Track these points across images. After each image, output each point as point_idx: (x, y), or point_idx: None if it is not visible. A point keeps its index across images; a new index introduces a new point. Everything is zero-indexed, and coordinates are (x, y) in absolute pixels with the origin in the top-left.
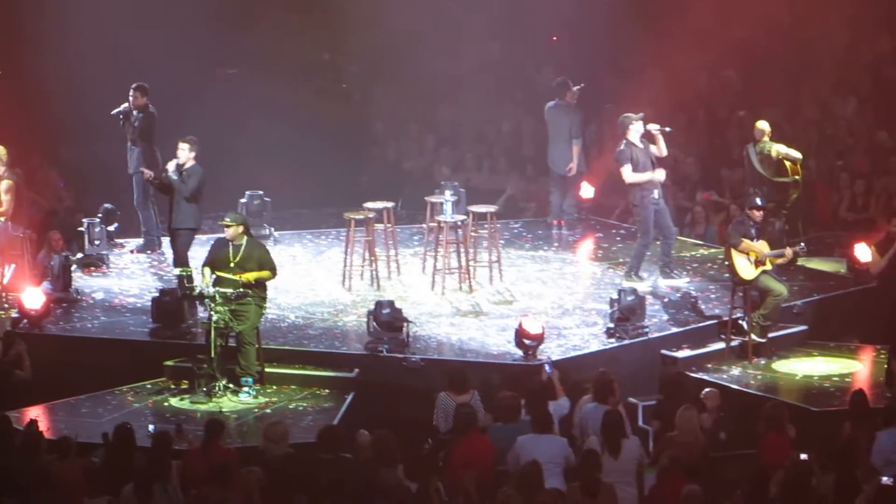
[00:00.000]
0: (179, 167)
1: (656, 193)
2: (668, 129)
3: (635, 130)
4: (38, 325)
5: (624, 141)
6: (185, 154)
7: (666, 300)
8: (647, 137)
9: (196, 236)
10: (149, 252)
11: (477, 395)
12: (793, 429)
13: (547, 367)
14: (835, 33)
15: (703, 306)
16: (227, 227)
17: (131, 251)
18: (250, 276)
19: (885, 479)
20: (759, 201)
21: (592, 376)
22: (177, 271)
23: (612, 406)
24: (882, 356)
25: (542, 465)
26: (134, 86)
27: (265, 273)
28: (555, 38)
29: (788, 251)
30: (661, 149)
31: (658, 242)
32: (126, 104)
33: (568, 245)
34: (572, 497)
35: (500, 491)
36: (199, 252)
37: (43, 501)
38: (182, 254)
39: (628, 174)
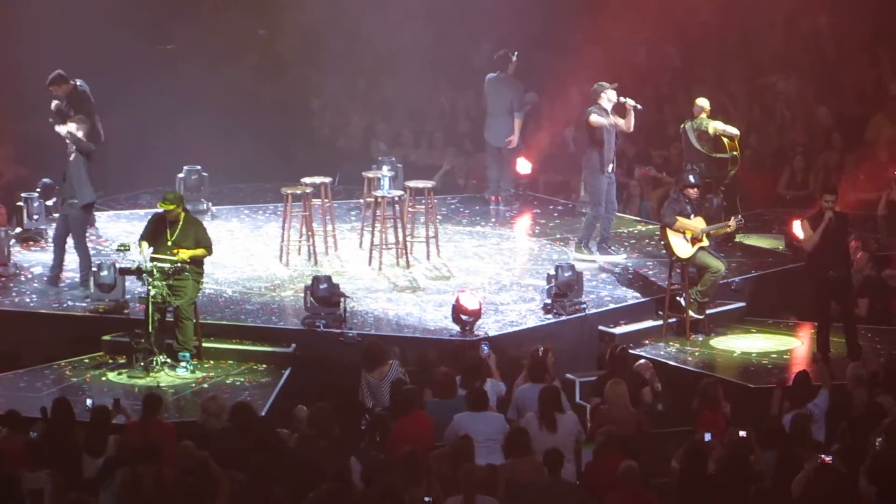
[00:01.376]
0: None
1: (610, 167)
2: (640, 106)
3: (607, 98)
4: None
5: (592, 108)
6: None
7: (603, 276)
8: (618, 110)
9: (134, 211)
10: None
11: (396, 364)
12: (727, 406)
13: (485, 348)
14: (774, 8)
15: (640, 282)
16: (168, 210)
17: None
18: (185, 255)
19: (824, 456)
20: (692, 178)
21: (527, 355)
22: (115, 246)
23: (548, 381)
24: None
25: (480, 443)
26: (48, 82)
27: (200, 251)
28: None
29: (731, 222)
30: (629, 123)
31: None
32: (56, 101)
33: (505, 221)
34: (506, 471)
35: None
36: (137, 227)
37: None
38: (81, 237)
39: (595, 118)
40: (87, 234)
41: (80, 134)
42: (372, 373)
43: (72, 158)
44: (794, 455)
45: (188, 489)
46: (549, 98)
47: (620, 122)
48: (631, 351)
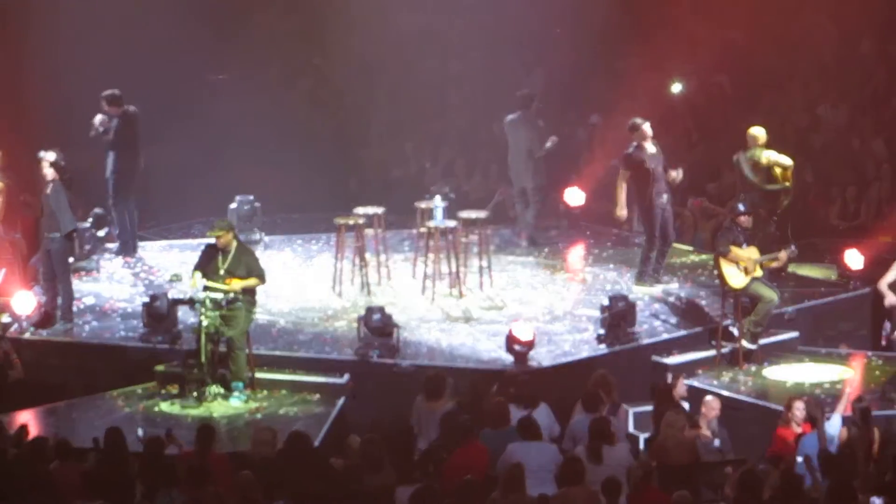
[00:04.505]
0: (43, 183)
1: (664, 198)
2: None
3: (648, 132)
4: (44, 327)
5: (633, 144)
6: (49, 170)
7: (657, 306)
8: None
9: (186, 241)
10: (122, 255)
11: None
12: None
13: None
14: (823, 38)
15: (693, 312)
16: (217, 237)
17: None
18: (237, 286)
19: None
20: (741, 207)
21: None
22: (167, 277)
23: (602, 413)
24: (874, 363)
25: (533, 472)
26: (104, 96)
27: (253, 280)
28: (558, 31)
29: (782, 254)
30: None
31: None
32: (102, 116)
33: (558, 251)
34: (557, 501)
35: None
36: (191, 257)
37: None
38: (64, 271)
39: (622, 179)
40: (141, 265)
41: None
42: (428, 402)
43: (49, 190)
44: (850, 484)
45: None
46: (602, 128)
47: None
48: (686, 382)
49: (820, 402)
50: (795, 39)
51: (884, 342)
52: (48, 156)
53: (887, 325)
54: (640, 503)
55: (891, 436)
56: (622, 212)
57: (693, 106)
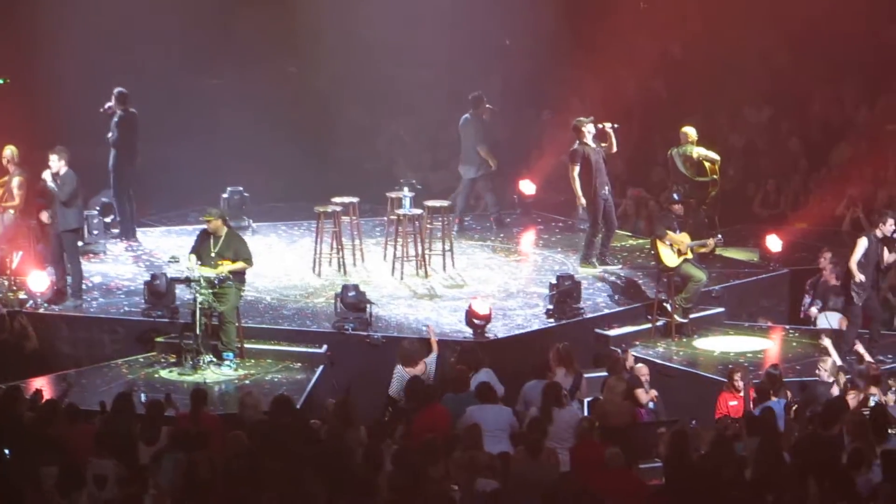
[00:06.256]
0: (54, 176)
1: (606, 189)
2: (616, 125)
3: (588, 132)
4: (56, 303)
5: (577, 142)
6: (56, 164)
7: (599, 284)
8: (600, 136)
9: (168, 228)
10: (123, 239)
11: (431, 362)
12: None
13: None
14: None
15: (632, 290)
16: (208, 221)
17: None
18: (225, 269)
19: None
20: (675, 196)
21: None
22: (166, 258)
23: (554, 379)
24: (791, 335)
25: (490, 432)
26: (115, 93)
27: (240, 264)
28: (507, 42)
29: (711, 241)
30: (612, 145)
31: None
32: (109, 104)
33: (512, 236)
34: (518, 458)
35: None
36: (185, 241)
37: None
38: (73, 253)
39: (573, 174)
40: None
41: (56, 164)
42: (406, 368)
43: (58, 183)
44: (776, 443)
45: (237, 473)
46: (552, 126)
47: (604, 146)
48: (634, 354)
49: (747, 370)
50: (724, 51)
51: (802, 315)
52: (59, 151)
53: (807, 300)
54: (582, 453)
55: (809, 398)
56: (582, 200)
57: (631, 107)
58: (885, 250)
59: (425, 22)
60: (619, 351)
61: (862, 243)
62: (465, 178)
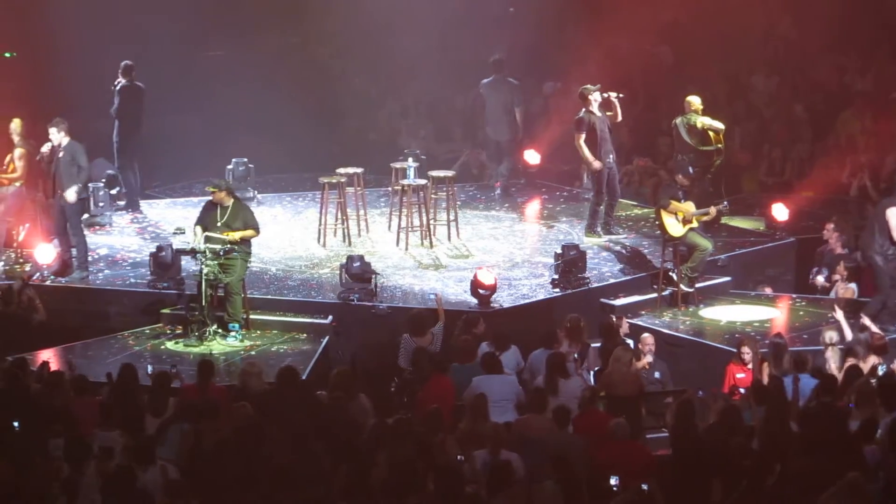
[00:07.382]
0: (55, 149)
1: (611, 158)
2: (621, 95)
3: (594, 100)
4: (63, 275)
5: (584, 110)
6: (56, 136)
7: (605, 254)
8: (605, 105)
9: (189, 199)
10: (129, 210)
11: (438, 332)
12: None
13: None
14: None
15: (637, 260)
16: (213, 192)
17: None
18: (235, 236)
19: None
20: (690, 170)
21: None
22: (172, 230)
23: (557, 349)
24: (797, 304)
25: (496, 402)
26: (122, 65)
27: (249, 232)
28: (511, 9)
29: (713, 209)
30: (617, 114)
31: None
32: (120, 79)
33: (517, 205)
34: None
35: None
36: (191, 212)
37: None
38: (76, 225)
39: (580, 142)
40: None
41: (57, 136)
42: (414, 338)
43: (61, 155)
44: (783, 410)
45: (243, 443)
46: (556, 95)
47: (610, 114)
48: (630, 321)
49: (756, 341)
50: (729, 20)
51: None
52: (57, 123)
53: (814, 271)
54: (586, 422)
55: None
56: (596, 164)
57: (636, 74)
58: None
59: None
60: (612, 317)
61: (893, 213)
62: (497, 139)
